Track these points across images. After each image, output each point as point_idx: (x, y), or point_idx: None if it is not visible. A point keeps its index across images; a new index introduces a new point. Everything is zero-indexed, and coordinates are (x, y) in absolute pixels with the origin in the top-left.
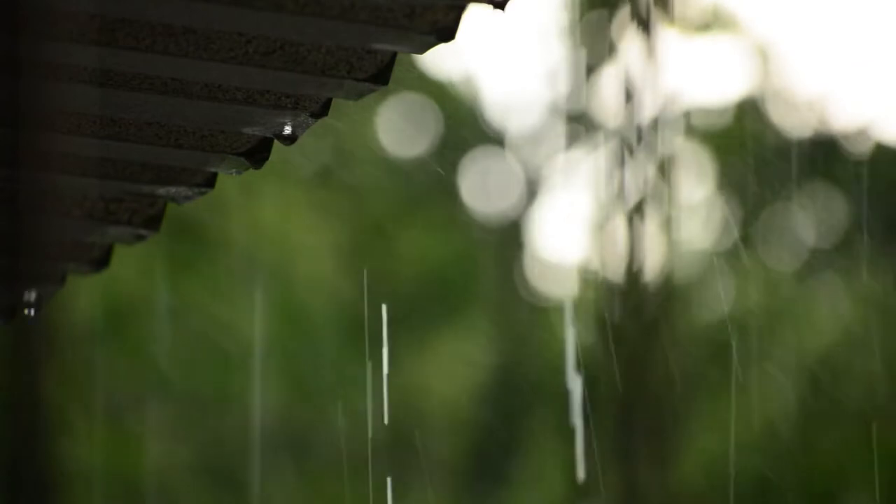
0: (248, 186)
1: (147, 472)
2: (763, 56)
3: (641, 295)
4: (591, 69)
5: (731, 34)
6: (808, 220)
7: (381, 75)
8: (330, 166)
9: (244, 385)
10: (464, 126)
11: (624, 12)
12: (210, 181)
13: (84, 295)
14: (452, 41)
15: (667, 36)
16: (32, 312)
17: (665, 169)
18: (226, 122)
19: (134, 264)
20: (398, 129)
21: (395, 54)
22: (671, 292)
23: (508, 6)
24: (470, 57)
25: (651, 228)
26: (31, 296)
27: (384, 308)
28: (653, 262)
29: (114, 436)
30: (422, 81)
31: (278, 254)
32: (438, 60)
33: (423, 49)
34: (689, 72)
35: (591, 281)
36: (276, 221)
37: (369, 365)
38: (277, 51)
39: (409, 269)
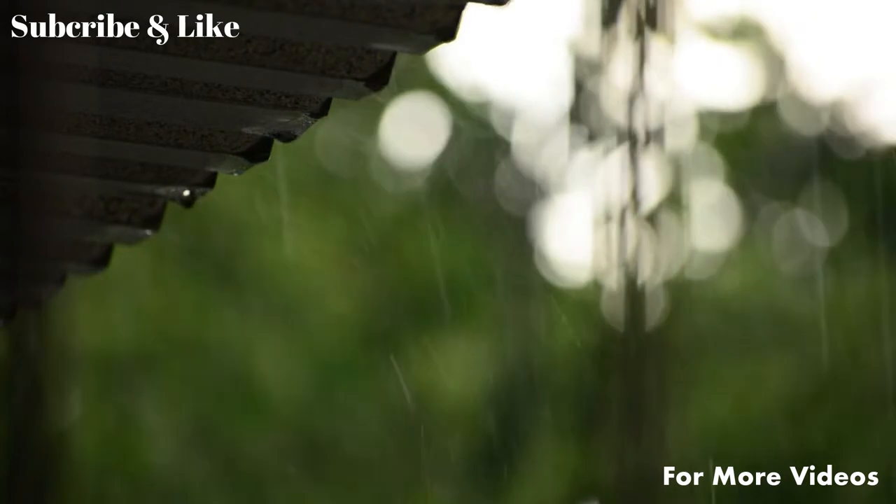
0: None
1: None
2: (777, 58)
3: (649, 296)
4: (600, 71)
5: (745, 36)
6: (820, 221)
7: (380, 75)
8: (336, 169)
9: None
10: (471, 129)
11: (634, 14)
12: (210, 181)
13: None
14: (452, 41)
15: (678, 38)
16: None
17: (675, 171)
18: (226, 121)
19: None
20: (405, 132)
21: (395, 54)
22: (680, 294)
23: (508, 3)
24: (477, 61)
25: (660, 230)
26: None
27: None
28: (661, 264)
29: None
30: (429, 85)
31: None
32: (446, 64)
33: (423, 49)
34: (700, 73)
35: (598, 282)
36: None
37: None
38: (277, 51)
39: (418, 270)
